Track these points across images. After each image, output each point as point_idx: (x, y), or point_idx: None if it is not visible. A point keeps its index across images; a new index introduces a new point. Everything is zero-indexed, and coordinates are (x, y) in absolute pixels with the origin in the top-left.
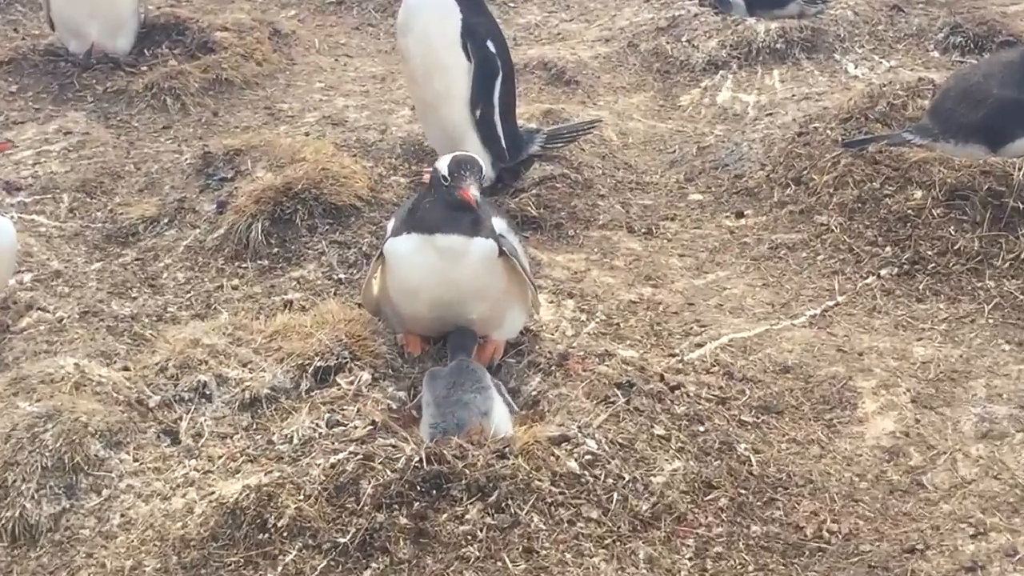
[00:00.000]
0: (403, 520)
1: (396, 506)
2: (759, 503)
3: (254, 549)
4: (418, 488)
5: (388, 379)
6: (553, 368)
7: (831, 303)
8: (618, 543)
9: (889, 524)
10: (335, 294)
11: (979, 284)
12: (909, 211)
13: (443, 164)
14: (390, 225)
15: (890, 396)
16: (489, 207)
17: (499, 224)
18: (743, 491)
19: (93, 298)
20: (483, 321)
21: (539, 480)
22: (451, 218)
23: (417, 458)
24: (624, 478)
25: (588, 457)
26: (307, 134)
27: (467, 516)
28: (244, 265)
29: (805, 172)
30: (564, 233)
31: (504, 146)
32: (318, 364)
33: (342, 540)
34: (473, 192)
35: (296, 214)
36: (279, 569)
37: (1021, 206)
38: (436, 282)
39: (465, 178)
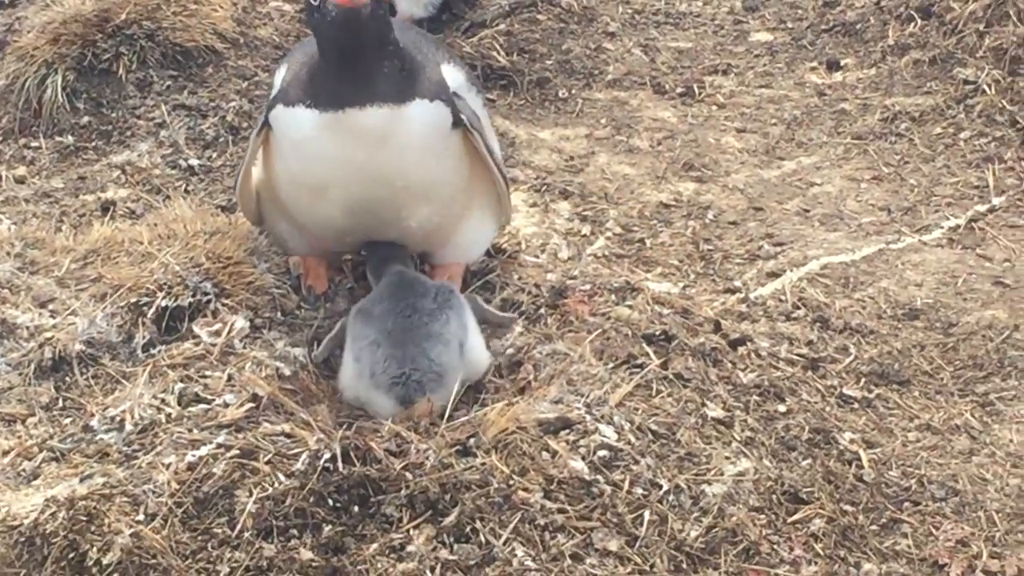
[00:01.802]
0: (306, 554)
1: (295, 532)
2: (874, 527)
3: None
4: (331, 503)
5: (275, 328)
6: (543, 311)
7: (982, 208)
8: None
9: None
10: (186, 191)
11: None
12: None
13: None
14: (280, 75)
15: None
16: (433, 45)
17: (453, 76)
18: (849, 508)
19: None
20: (427, 234)
21: (525, 490)
22: (364, 74)
23: (327, 455)
24: (661, 487)
25: (603, 453)
26: None
27: (410, 548)
28: (35, 144)
29: None
30: (552, 94)
31: None
32: (162, 303)
33: None
34: None
35: (118, 61)
36: None
37: None
38: (353, 174)
39: None
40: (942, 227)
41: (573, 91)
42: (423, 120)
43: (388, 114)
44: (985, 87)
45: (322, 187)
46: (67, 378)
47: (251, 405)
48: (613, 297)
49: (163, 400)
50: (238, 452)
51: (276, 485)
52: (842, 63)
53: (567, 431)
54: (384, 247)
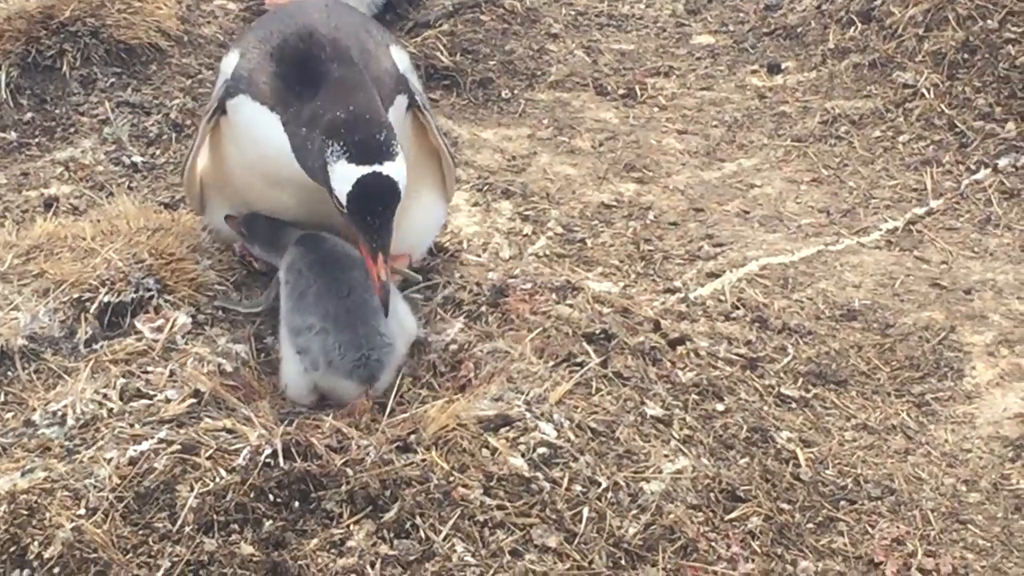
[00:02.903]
0: (247, 549)
1: (236, 527)
2: (811, 525)
3: None
4: (271, 498)
5: (218, 324)
6: (484, 309)
7: (920, 211)
8: None
9: (1016, 559)
10: (129, 188)
11: None
12: None
13: (342, 180)
14: (231, 60)
15: (1016, 358)
16: (377, 28)
17: (400, 57)
18: (786, 506)
19: None
20: None
21: (465, 486)
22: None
23: (269, 450)
24: (600, 484)
25: (543, 451)
26: None
27: (350, 543)
28: None
29: (879, 2)
30: (494, 94)
31: None
32: (105, 299)
33: None
34: (382, 274)
35: (62, 58)
36: None
37: None
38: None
39: (375, 226)
40: (880, 229)
41: (516, 92)
42: (392, 118)
43: None
44: (924, 91)
45: (278, 181)
46: (9, 373)
47: (193, 401)
48: (554, 296)
49: (105, 395)
50: (179, 447)
51: (217, 480)
52: (783, 66)
53: (507, 428)
54: (262, 217)
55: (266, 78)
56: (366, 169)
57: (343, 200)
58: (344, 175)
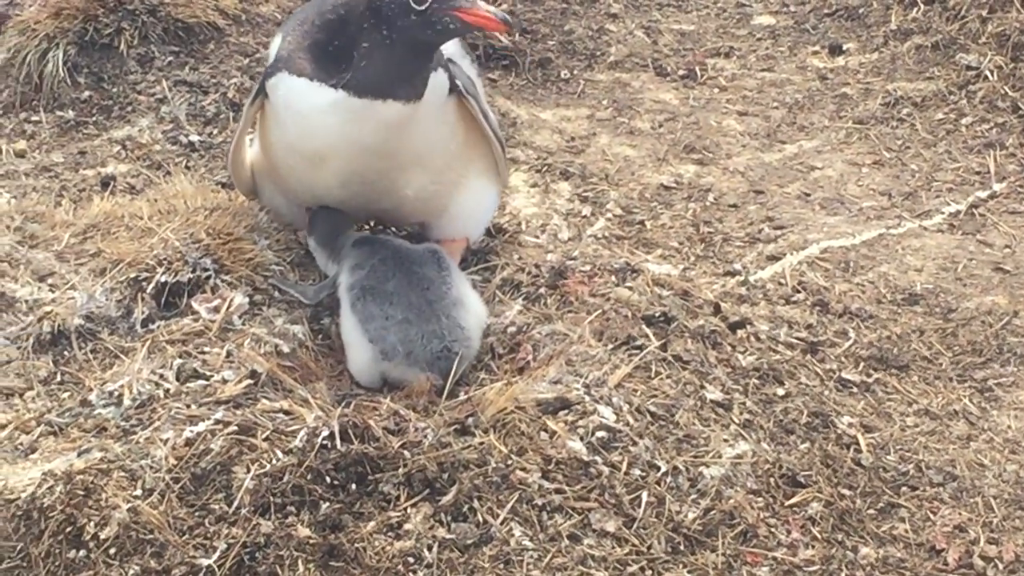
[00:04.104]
0: (303, 531)
1: (292, 509)
2: (872, 511)
3: (63, 574)
4: (328, 480)
5: (275, 304)
6: (542, 291)
7: (983, 194)
8: (649, 572)
9: None
10: (186, 167)
11: None
12: None
13: None
14: (276, 45)
15: None
16: None
17: (448, 43)
18: (847, 492)
19: None
20: (424, 201)
21: (523, 469)
22: (397, 73)
23: (326, 432)
24: (659, 468)
25: (601, 434)
26: None
27: (407, 526)
28: (35, 118)
29: None
30: (553, 75)
31: None
32: (162, 279)
33: (204, 562)
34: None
35: (120, 36)
36: None
37: None
38: (356, 148)
39: None
40: (943, 212)
41: (575, 72)
42: (429, 98)
43: (407, 109)
44: (987, 73)
45: (321, 157)
46: (65, 352)
47: (250, 381)
48: (613, 278)
49: (161, 375)
50: (236, 428)
51: (274, 462)
52: (844, 47)
53: (566, 411)
54: (326, 213)
55: (303, 53)
56: None
57: None
58: None
